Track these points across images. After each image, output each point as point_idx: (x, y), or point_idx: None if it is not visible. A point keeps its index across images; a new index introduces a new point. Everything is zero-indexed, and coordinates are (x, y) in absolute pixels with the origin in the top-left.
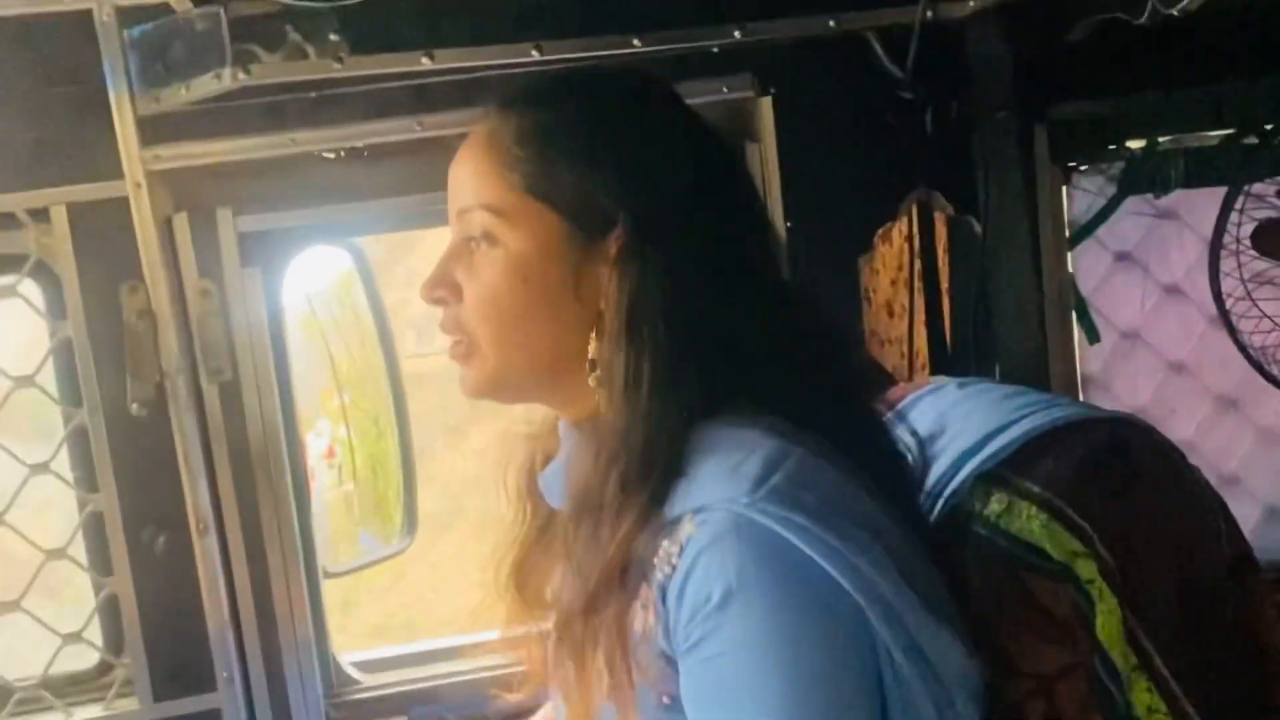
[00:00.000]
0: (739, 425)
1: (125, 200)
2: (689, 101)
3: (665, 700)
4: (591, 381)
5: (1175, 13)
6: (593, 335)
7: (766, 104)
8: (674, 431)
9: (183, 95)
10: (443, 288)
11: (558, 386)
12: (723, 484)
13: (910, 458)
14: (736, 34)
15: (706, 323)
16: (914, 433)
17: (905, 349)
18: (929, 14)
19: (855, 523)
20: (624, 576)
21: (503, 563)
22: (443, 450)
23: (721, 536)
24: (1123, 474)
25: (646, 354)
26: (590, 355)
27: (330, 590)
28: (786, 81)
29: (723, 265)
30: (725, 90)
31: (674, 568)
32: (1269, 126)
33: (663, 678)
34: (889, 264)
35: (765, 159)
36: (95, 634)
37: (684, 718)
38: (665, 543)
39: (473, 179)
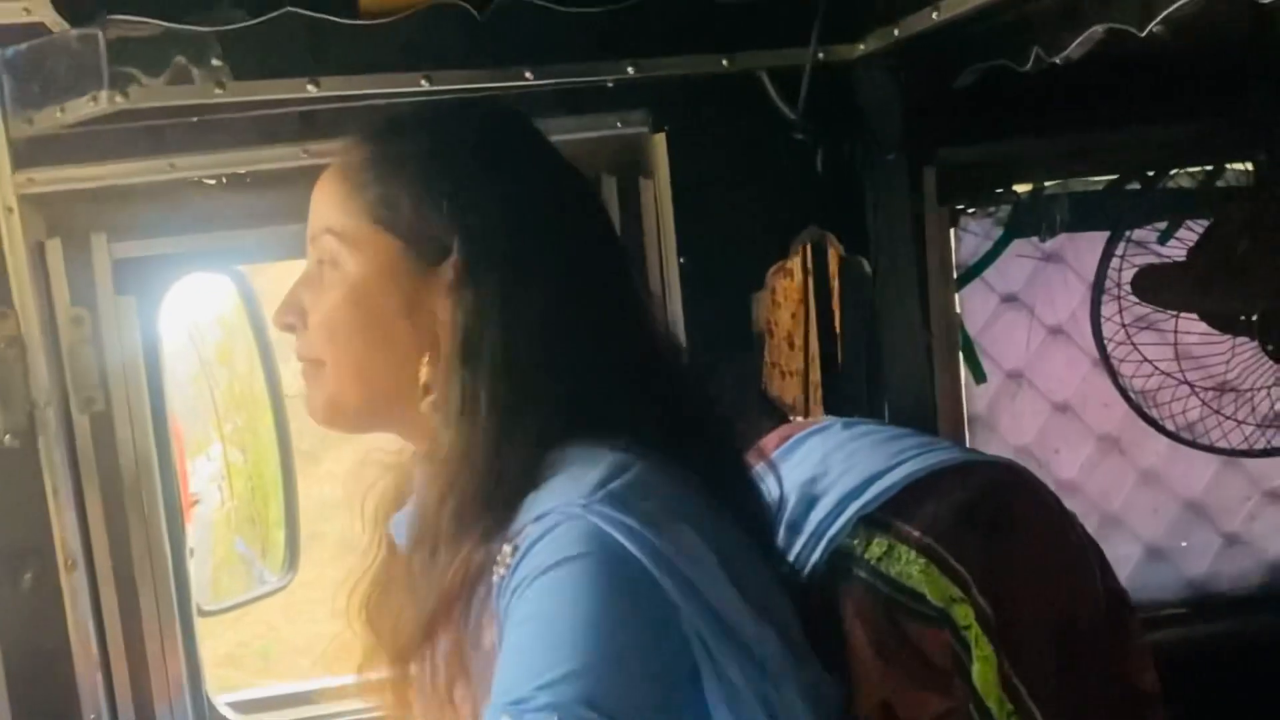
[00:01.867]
0: (591, 446)
1: None
2: (581, 136)
3: None
4: (424, 407)
5: (1058, 61)
6: (425, 360)
7: (660, 140)
8: (518, 457)
9: (58, 118)
10: (292, 314)
11: (400, 415)
12: (563, 491)
13: (770, 500)
14: (630, 70)
15: (549, 355)
16: (780, 482)
17: (807, 381)
18: (820, 55)
19: (688, 526)
20: (462, 605)
21: (354, 595)
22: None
23: (550, 529)
24: (1000, 519)
25: (482, 382)
26: (423, 380)
27: None
28: (680, 118)
29: (563, 295)
30: (619, 125)
31: (508, 567)
32: (1150, 173)
33: None
34: (790, 298)
35: (659, 194)
36: None
37: None
38: (504, 548)
39: (323, 205)
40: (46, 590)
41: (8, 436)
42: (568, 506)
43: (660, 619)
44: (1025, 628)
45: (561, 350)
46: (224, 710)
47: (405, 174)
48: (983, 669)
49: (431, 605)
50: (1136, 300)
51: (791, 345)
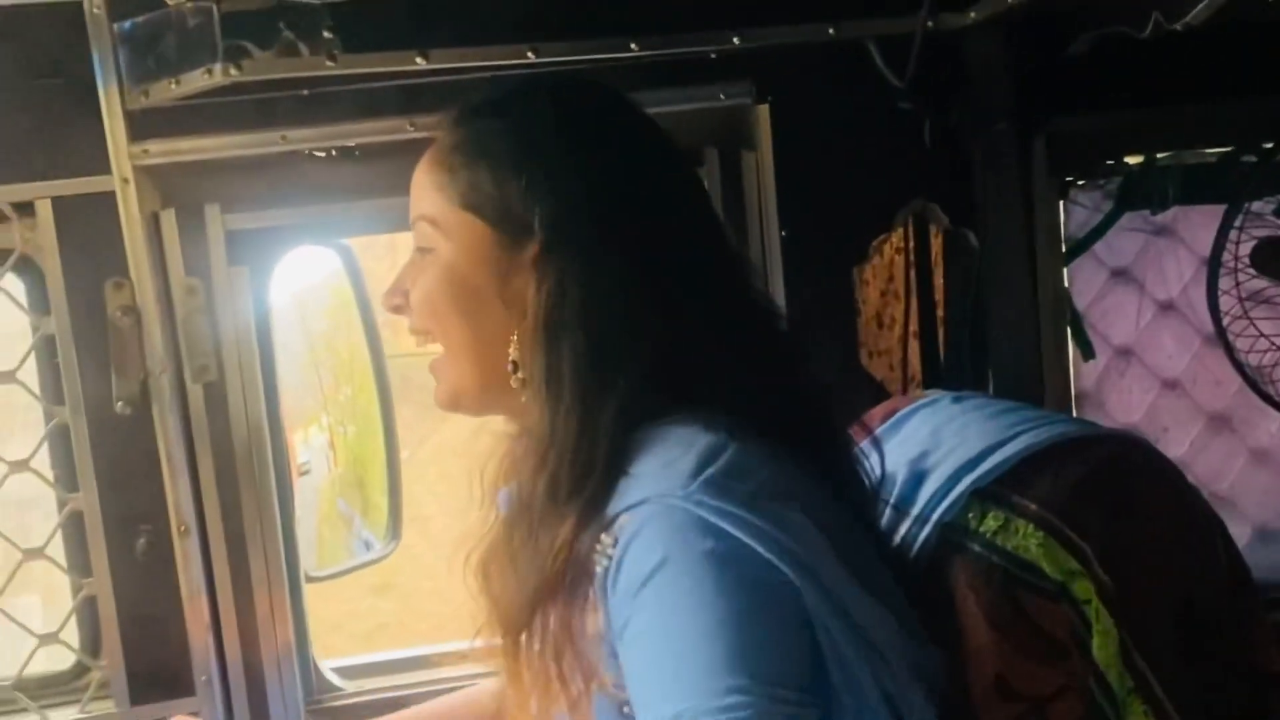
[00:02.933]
0: (682, 423)
1: (112, 195)
2: (684, 108)
3: (626, 710)
4: (514, 383)
5: (1179, 27)
6: (514, 337)
7: (764, 111)
8: (606, 435)
9: (172, 90)
10: (397, 296)
11: (507, 397)
12: (659, 479)
13: (871, 475)
14: (735, 40)
15: (635, 329)
16: (881, 457)
17: (894, 361)
18: (929, 23)
19: (790, 506)
20: (566, 583)
21: (469, 561)
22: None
23: (651, 521)
24: (1122, 493)
25: (566, 358)
26: (511, 356)
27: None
28: (784, 89)
29: (647, 268)
30: (722, 97)
31: (610, 559)
32: (1268, 145)
33: (618, 680)
34: (879, 275)
35: (761, 166)
36: (72, 635)
37: None
38: (603, 537)
39: (418, 191)
40: (160, 555)
41: (121, 404)
42: (666, 496)
43: (783, 603)
44: (1147, 603)
45: (646, 324)
46: (330, 675)
47: (488, 157)
48: (1103, 643)
49: (533, 585)
50: (1253, 274)
51: (880, 324)
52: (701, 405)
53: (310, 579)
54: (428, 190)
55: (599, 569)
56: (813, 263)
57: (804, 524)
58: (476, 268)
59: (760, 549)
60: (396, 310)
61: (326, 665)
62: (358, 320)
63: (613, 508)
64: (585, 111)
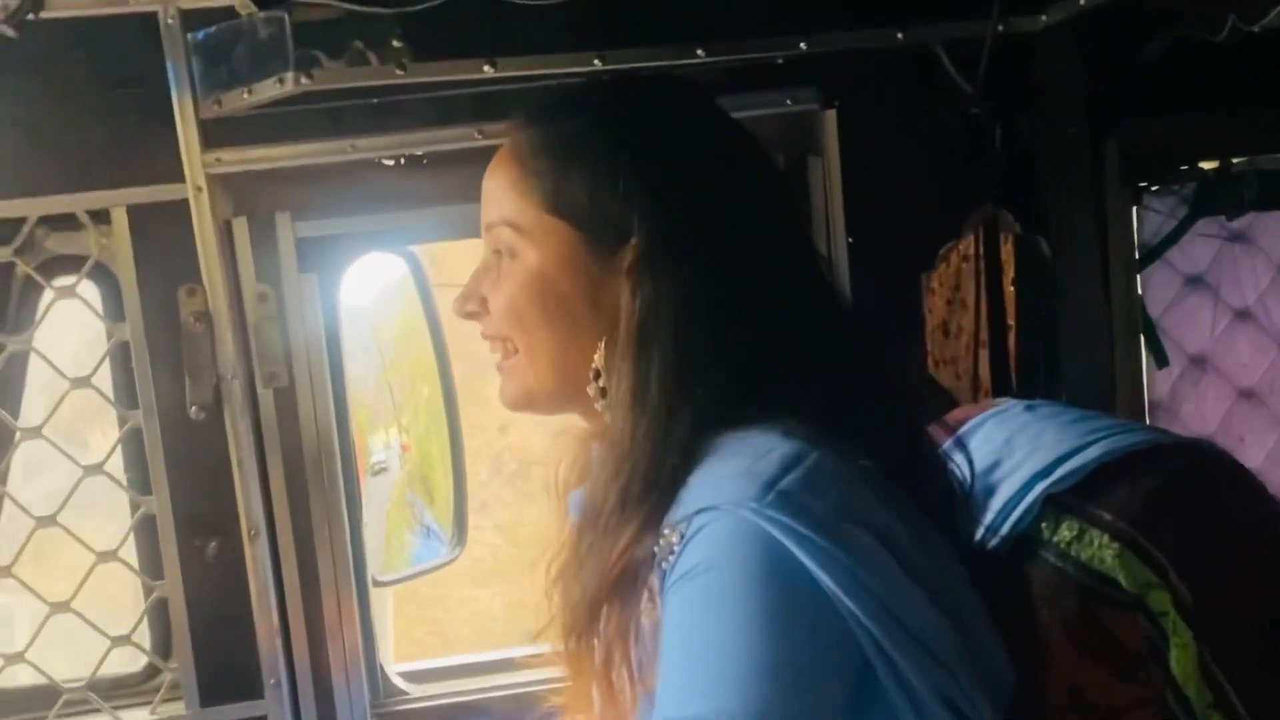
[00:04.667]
0: (760, 430)
1: (185, 203)
2: (751, 113)
3: None
4: (591, 391)
5: (1255, 29)
6: (601, 345)
7: (831, 116)
8: (680, 447)
9: (245, 99)
10: (472, 301)
11: (584, 399)
12: (734, 485)
13: (960, 479)
14: (802, 45)
15: (722, 338)
16: (969, 459)
17: (960, 370)
18: (1000, 27)
19: (864, 525)
20: (626, 588)
21: (550, 566)
22: None
23: (717, 523)
24: (1200, 503)
25: (654, 369)
26: (595, 365)
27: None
28: (852, 94)
29: (744, 280)
30: (789, 102)
31: (674, 553)
32: None
33: None
34: (945, 284)
35: (828, 172)
36: (144, 637)
37: None
38: (669, 534)
39: (496, 194)
40: (231, 559)
41: (194, 409)
42: (738, 506)
43: (822, 623)
44: (1226, 616)
45: (738, 334)
46: (397, 679)
47: (579, 157)
48: (1181, 656)
49: (594, 588)
50: None
51: (946, 333)
52: (780, 414)
53: (378, 583)
54: (505, 193)
55: (662, 566)
56: (880, 270)
57: (870, 545)
58: (566, 274)
59: (822, 575)
60: (471, 316)
61: (394, 669)
62: (423, 324)
63: (680, 510)
64: (677, 112)
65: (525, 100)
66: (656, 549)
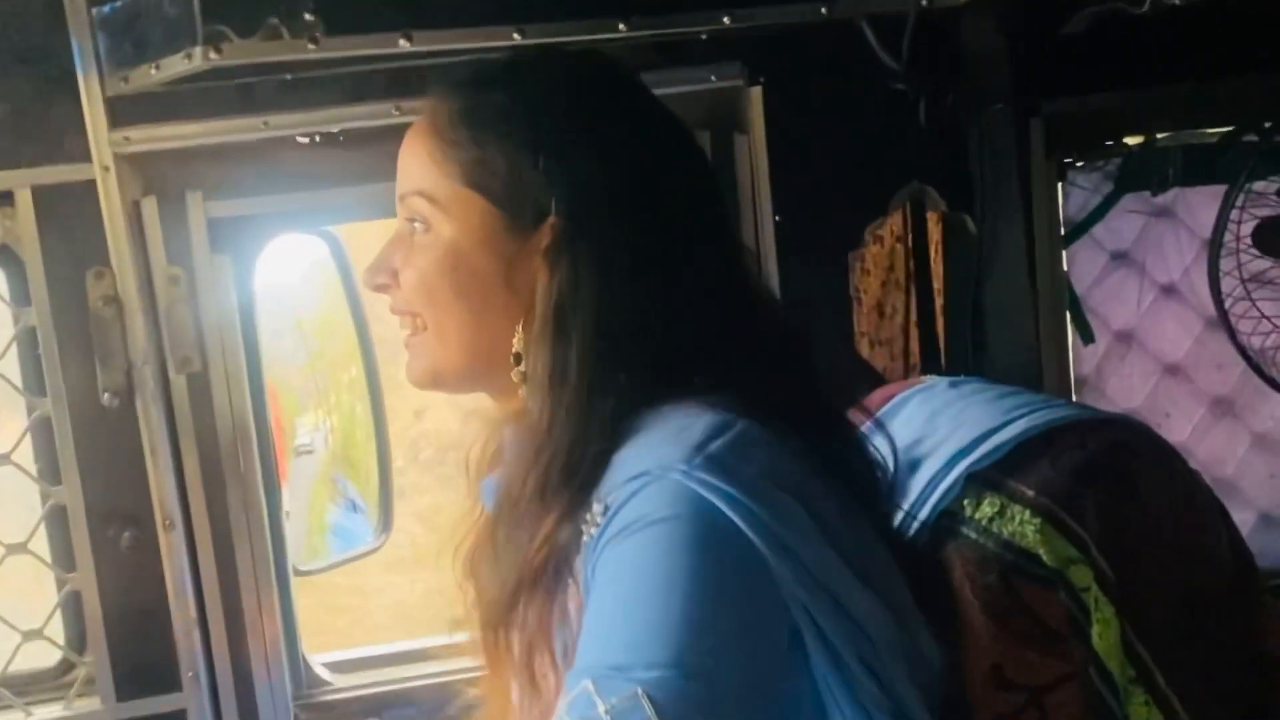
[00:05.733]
0: (682, 404)
1: (93, 184)
2: (675, 90)
3: None
4: (514, 376)
5: (1177, 2)
6: (519, 328)
7: (756, 94)
8: (601, 432)
9: (152, 76)
10: (383, 274)
11: (496, 380)
12: (662, 450)
13: (880, 461)
14: (726, 20)
15: (642, 321)
16: (890, 440)
17: (895, 350)
18: (924, 3)
19: (789, 492)
20: (548, 577)
21: (458, 553)
22: None
23: (647, 488)
24: (1121, 479)
25: (573, 352)
26: (515, 348)
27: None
28: (777, 71)
29: (664, 262)
30: (713, 79)
31: (598, 526)
32: (1268, 124)
33: None
34: (879, 264)
35: (754, 150)
36: (57, 631)
37: None
38: (596, 507)
39: (412, 165)
40: (145, 549)
41: (107, 395)
42: (665, 469)
43: (754, 584)
44: (1148, 590)
45: (658, 312)
46: (319, 669)
47: (499, 131)
48: (1103, 631)
49: (514, 579)
50: (1256, 255)
51: (881, 313)
52: (701, 393)
53: (299, 573)
54: (422, 163)
55: (585, 539)
56: (807, 248)
57: (798, 511)
58: (479, 250)
59: (745, 529)
60: (381, 289)
61: (316, 660)
62: (345, 305)
63: (607, 484)
64: (600, 90)
65: (444, 74)
66: (583, 527)
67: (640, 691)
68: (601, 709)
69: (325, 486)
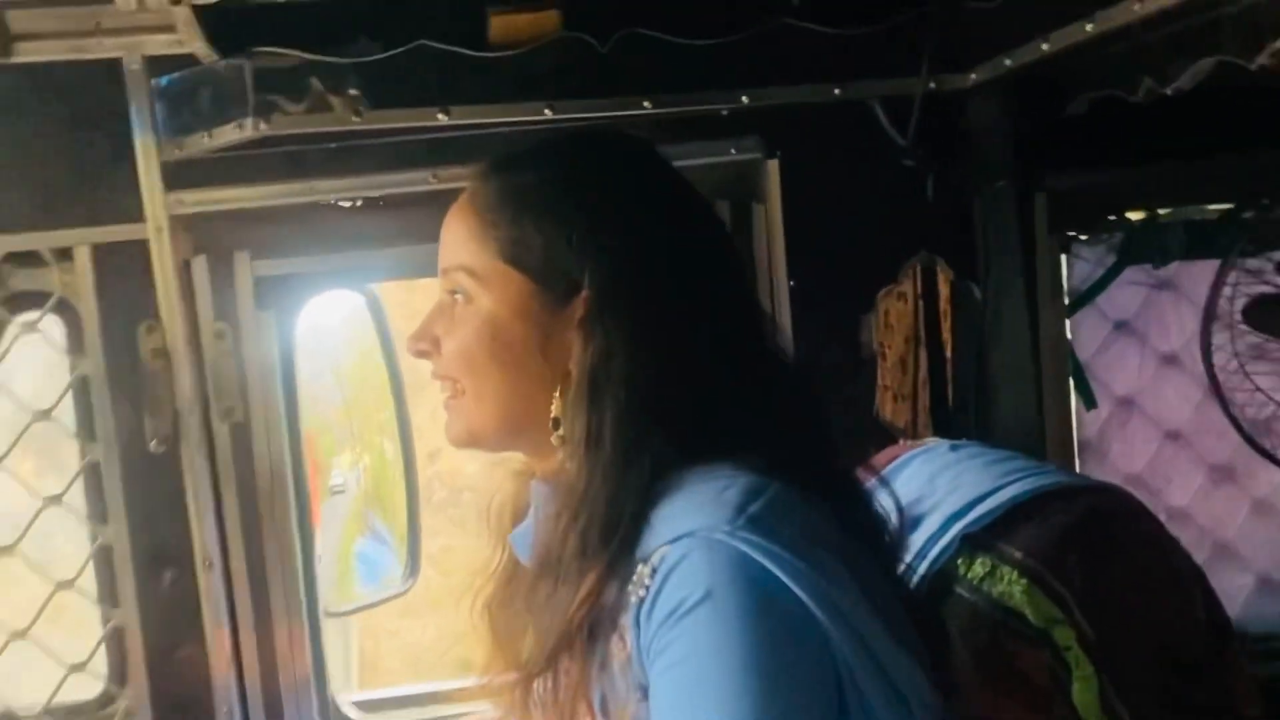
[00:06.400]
0: (713, 467)
1: (146, 242)
2: (696, 162)
3: None
4: (554, 440)
5: (1169, 92)
6: (556, 394)
7: (773, 166)
8: (638, 491)
9: (206, 143)
10: (424, 341)
11: (530, 441)
12: (704, 512)
13: (888, 516)
14: (744, 99)
15: (671, 386)
16: (894, 498)
17: (919, 406)
18: (931, 85)
19: (829, 553)
20: (589, 633)
21: (477, 599)
22: None
23: (694, 553)
24: (1103, 543)
25: (608, 417)
26: (553, 414)
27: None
28: (793, 145)
29: (691, 326)
30: (733, 152)
31: (647, 589)
32: (1265, 201)
33: (637, 717)
34: (903, 321)
35: (770, 219)
36: (100, 664)
37: None
38: (640, 568)
39: (454, 241)
40: (186, 589)
41: (153, 442)
42: (710, 531)
43: (815, 651)
44: (1127, 650)
45: (689, 380)
46: (347, 709)
47: (534, 210)
48: (1083, 689)
49: (555, 635)
50: (1249, 329)
51: (904, 369)
52: (730, 455)
53: (330, 614)
54: (463, 240)
55: (633, 599)
56: (820, 312)
57: (840, 570)
58: (517, 321)
59: (801, 593)
60: (422, 355)
61: (345, 699)
62: (381, 360)
63: (650, 543)
64: (628, 170)
65: (482, 149)
66: (630, 587)
67: None
68: None
69: (356, 523)
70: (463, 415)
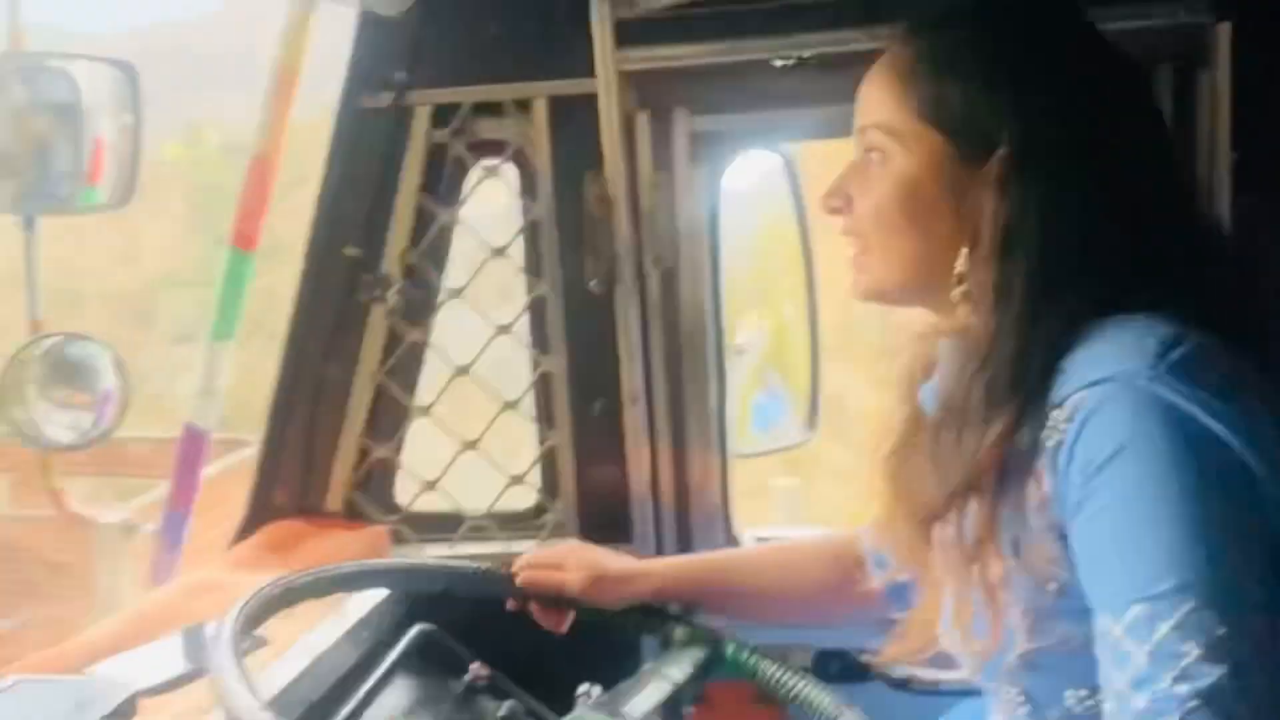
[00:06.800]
0: (1128, 320)
1: (595, 96)
2: (1141, 24)
3: (1050, 587)
4: (955, 295)
5: None
6: (965, 250)
7: (1224, 30)
8: (1047, 342)
9: (656, 2)
10: (837, 198)
11: (934, 296)
12: (1122, 357)
13: None
14: None
15: (1084, 246)
16: None
17: None
18: None
19: (1261, 404)
20: (998, 476)
21: (878, 452)
22: None
23: (1114, 399)
24: None
25: (1019, 274)
26: (958, 269)
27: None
28: (1249, 7)
29: (1108, 187)
30: (1181, 14)
31: (1064, 434)
32: None
33: (1051, 557)
34: None
35: (1217, 87)
36: (535, 479)
37: (1069, 603)
38: (1054, 413)
39: (873, 99)
40: (612, 417)
41: (592, 283)
42: (1130, 376)
43: (1249, 503)
44: None
45: (1103, 236)
46: (748, 543)
47: (956, 70)
48: None
49: (958, 480)
50: None
51: None
52: (1145, 310)
53: (736, 455)
54: (884, 98)
55: (1049, 444)
56: (1264, 185)
57: (1268, 418)
58: (933, 180)
59: (1232, 440)
60: (835, 212)
61: (749, 534)
62: (794, 219)
63: (1059, 391)
64: (1054, 29)
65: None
66: (1044, 432)
67: (1190, 610)
68: (1163, 631)
69: (754, 380)
70: (871, 271)
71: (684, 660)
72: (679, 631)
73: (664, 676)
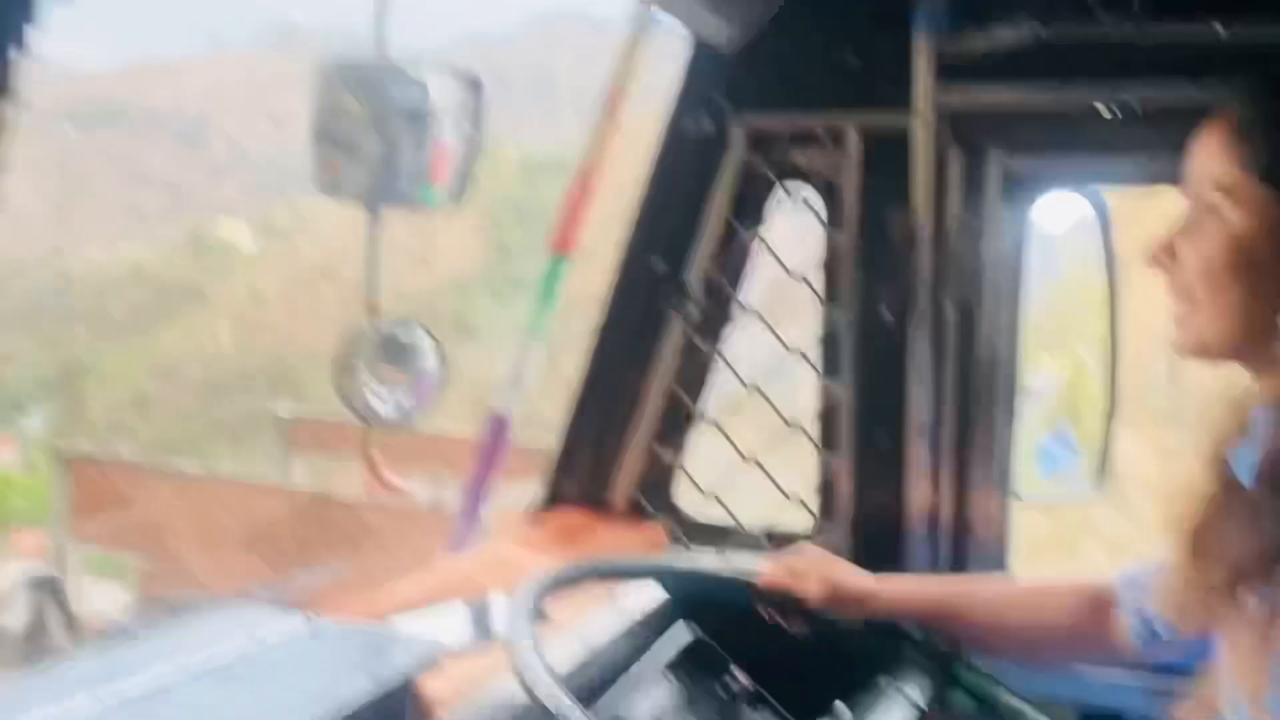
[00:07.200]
0: None
1: (910, 132)
2: None
3: None
4: (1278, 349)
5: None
6: None
7: None
8: None
9: (980, 43)
10: (1165, 254)
11: (1259, 356)
12: None
13: None
14: None
15: None
16: None
17: None
18: None
19: None
20: None
21: (1176, 510)
22: None
23: None
24: None
25: None
26: None
27: None
28: None
29: None
30: None
31: None
32: None
33: None
34: None
35: None
36: (811, 500)
37: None
38: None
39: (1210, 159)
40: (894, 447)
41: (887, 313)
42: None
43: None
44: None
45: None
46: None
47: None
48: None
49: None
50: None
51: None
52: None
53: (1018, 499)
54: (1219, 157)
55: None
56: None
57: None
58: (1266, 238)
59: None
60: (1160, 266)
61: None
62: (1101, 266)
63: None
64: None
65: (1244, 61)
66: None
67: None
68: None
69: (1044, 425)
70: (1195, 328)
71: (921, 682)
72: (912, 652)
73: (906, 699)
